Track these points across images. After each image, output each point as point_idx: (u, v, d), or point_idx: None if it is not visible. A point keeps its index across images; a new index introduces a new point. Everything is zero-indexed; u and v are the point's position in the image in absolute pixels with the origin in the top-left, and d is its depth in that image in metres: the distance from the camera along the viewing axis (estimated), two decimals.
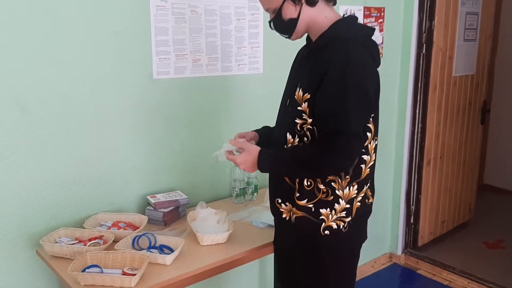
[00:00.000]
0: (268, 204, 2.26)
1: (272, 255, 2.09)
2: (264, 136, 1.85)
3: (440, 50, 3.30)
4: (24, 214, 1.87)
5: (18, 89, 1.78)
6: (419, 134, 3.40)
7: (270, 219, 2.06)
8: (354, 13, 2.89)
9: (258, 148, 1.61)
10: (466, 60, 3.61)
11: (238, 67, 2.41)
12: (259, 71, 2.51)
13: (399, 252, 3.62)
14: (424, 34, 3.22)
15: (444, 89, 3.44)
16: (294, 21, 1.53)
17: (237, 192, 2.35)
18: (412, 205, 3.53)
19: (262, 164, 1.58)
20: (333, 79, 1.42)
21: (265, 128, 1.91)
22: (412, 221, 3.56)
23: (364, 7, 2.96)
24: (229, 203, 2.36)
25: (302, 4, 1.51)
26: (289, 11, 1.52)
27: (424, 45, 3.24)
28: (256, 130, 1.89)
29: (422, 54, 3.26)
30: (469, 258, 3.56)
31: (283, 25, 1.56)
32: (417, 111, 3.35)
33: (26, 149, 1.83)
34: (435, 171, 3.55)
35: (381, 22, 3.06)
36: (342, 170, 1.53)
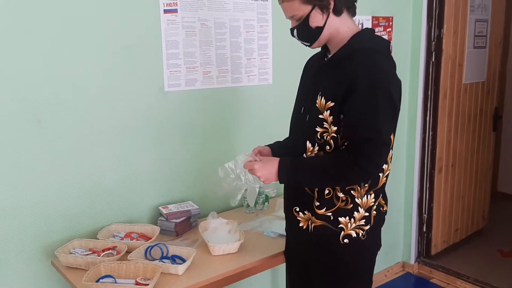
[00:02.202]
0: (279, 213, 2.29)
1: (284, 265, 2.10)
2: (277, 151, 1.81)
3: (449, 57, 3.30)
4: (40, 225, 1.90)
5: (34, 101, 1.83)
6: (430, 142, 3.39)
7: (281, 228, 2.07)
8: (363, 23, 2.91)
9: (277, 158, 1.59)
10: (476, 67, 3.60)
11: (248, 78, 2.44)
12: (269, 82, 2.53)
13: (412, 261, 3.60)
14: (433, 42, 3.23)
15: (454, 96, 3.43)
16: (319, 30, 1.53)
17: (247, 202, 2.36)
18: (425, 213, 3.50)
19: (283, 174, 1.55)
20: (363, 89, 1.43)
21: (277, 144, 1.87)
22: (424, 229, 3.53)
23: (372, 17, 2.97)
24: (240, 213, 2.37)
25: (329, 13, 1.52)
26: (316, 20, 1.52)
27: (434, 53, 3.24)
28: (269, 145, 1.85)
29: (431, 62, 3.26)
30: (484, 266, 3.52)
31: (308, 33, 1.55)
32: (428, 118, 3.35)
33: (43, 160, 1.87)
34: (447, 178, 3.54)
35: (389, 31, 3.08)
36: (371, 178, 1.54)
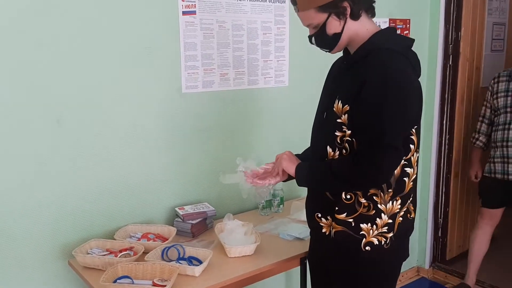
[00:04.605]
0: (294, 216, 2.28)
1: (299, 268, 2.09)
2: None
3: (467, 61, 3.27)
4: (58, 225, 1.92)
5: (53, 101, 1.84)
6: (446, 146, 3.36)
7: (297, 231, 2.07)
8: (380, 25, 2.89)
9: (298, 161, 1.63)
10: (493, 70, 3.54)
11: (264, 80, 2.43)
12: (285, 84, 2.53)
13: (426, 266, 3.56)
14: (451, 45, 3.20)
15: (471, 100, 3.40)
16: (337, 36, 1.51)
17: (263, 204, 2.36)
18: (440, 218, 3.47)
19: (298, 175, 1.59)
20: (371, 89, 1.41)
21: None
22: (440, 234, 3.50)
23: (390, 19, 2.96)
24: (255, 215, 2.37)
25: (346, 18, 1.49)
26: (334, 26, 1.50)
27: (451, 56, 3.21)
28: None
29: (448, 65, 3.23)
30: (499, 272, 3.47)
31: (326, 40, 1.53)
32: (444, 122, 3.32)
33: (61, 160, 1.89)
34: (463, 183, 3.50)
35: (406, 34, 3.06)
36: (377, 183, 1.49)
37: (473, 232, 3.22)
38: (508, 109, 2.92)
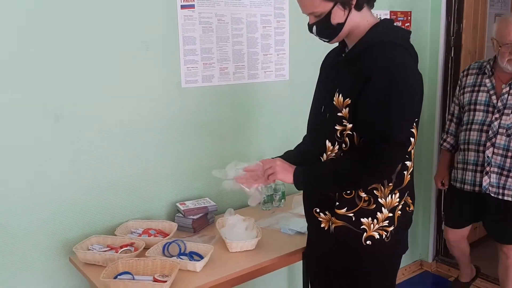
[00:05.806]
0: (296, 211, 2.27)
1: (301, 262, 2.08)
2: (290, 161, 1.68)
3: (469, 53, 3.24)
4: (58, 221, 1.91)
5: (51, 98, 1.83)
6: None
7: (298, 226, 2.06)
8: (381, 17, 2.86)
9: (293, 167, 1.57)
10: None
11: (264, 74, 2.42)
12: (285, 77, 2.51)
13: (430, 259, 3.55)
14: (453, 37, 3.17)
15: None
16: (340, 26, 1.49)
17: (264, 199, 2.35)
18: (443, 211, 3.45)
19: (298, 184, 1.56)
20: (377, 84, 1.39)
21: (287, 154, 1.78)
22: (443, 227, 3.48)
23: (391, 12, 2.93)
24: (256, 210, 2.35)
25: (351, 8, 1.47)
26: (338, 16, 1.47)
27: (453, 48, 3.19)
28: (280, 157, 1.75)
29: (450, 58, 3.20)
30: None
31: (328, 30, 1.50)
32: (447, 115, 3.29)
33: (61, 157, 1.88)
34: None
35: (407, 26, 3.03)
36: (383, 178, 1.49)
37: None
38: (472, 107, 2.54)
